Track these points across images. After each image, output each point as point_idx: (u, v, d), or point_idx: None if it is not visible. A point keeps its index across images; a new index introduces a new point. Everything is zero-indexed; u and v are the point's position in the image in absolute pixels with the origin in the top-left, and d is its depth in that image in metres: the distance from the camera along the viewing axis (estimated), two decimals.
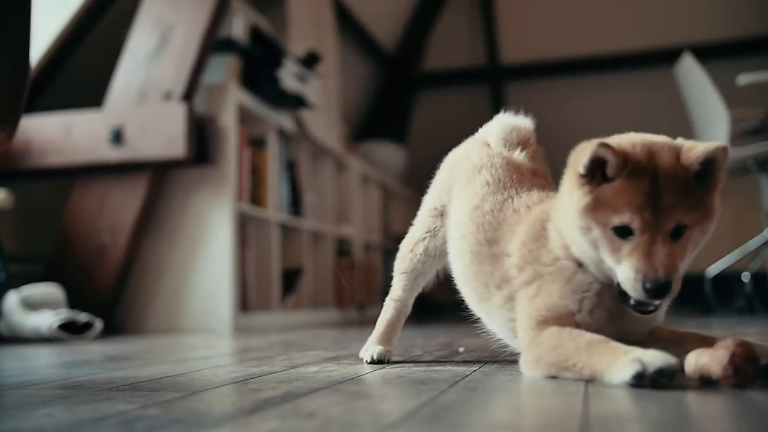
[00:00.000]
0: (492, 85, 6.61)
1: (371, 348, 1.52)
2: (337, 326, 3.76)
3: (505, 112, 1.51)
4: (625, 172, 1.06)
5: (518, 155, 1.43)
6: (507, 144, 1.45)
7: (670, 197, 1.04)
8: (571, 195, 1.12)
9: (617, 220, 1.06)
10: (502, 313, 1.28)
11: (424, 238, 1.53)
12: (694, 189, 1.07)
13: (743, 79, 3.56)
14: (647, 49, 6.11)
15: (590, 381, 1.06)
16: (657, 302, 1.09)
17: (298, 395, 1.04)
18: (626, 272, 1.06)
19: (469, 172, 1.42)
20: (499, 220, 1.31)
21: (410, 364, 1.47)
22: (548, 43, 6.45)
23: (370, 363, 1.48)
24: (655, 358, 0.99)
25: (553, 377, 1.13)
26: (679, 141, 1.12)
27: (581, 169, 1.09)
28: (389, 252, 5.46)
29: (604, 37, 6.30)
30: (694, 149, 1.07)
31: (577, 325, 1.16)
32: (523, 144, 1.45)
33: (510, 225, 1.29)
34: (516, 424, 0.81)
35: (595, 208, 1.08)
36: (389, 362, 1.51)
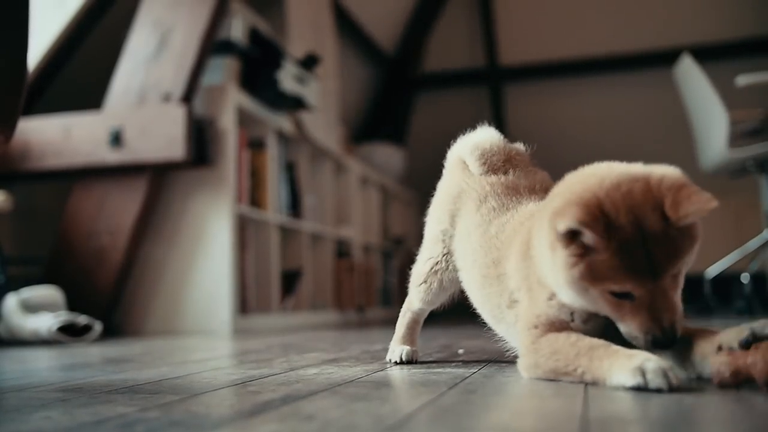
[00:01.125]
0: (491, 86, 6.61)
1: (398, 348, 1.54)
2: (337, 328, 3.76)
3: (471, 132, 1.52)
4: (613, 246, 1.01)
5: (510, 177, 1.42)
6: (487, 168, 1.45)
7: (663, 257, 1.02)
8: (554, 251, 1.07)
9: (617, 288, 1.04)
10: (514, 329, 1.28)
11: (437, 271, 1.51)
12: (682, 236, 1.04)
13: (742, 80, 3.56)
14: (646, 51, 6.12)
15: (592, 384, 1.06)
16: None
17: (297, 398, 1.04)
18: (633, 332, 1.06)
19: (475, 200, 1.42)
20: (502, 240, 1.32)
21: (410, 366, 1.47)
22: (547, 45, 6.46)
23: (399, 363, 1.50)
24: (657, 375, 0.98)
25: (553, 380, 1.13)
26: (655, 182, 1.05)
27: (560, 231, 1.03)
28: (389, 253, 5.46)
29: (603, 39, 6.30)
30: (679, 208, 1.01)
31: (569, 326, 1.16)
32: (508, 163, 1.45)
33: (509, 245, 1.29)
34: (516, 427, 0.80)
35: (589, 276, 1.04)
36: (416, 362, 1.53)
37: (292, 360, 1.69)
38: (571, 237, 1.04)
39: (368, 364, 1.54)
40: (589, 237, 1.02)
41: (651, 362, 0.99)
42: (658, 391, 0.97)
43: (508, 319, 1.29)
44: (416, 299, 1.57)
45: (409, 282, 1.61)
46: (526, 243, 1.22)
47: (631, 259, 1.01)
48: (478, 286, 1.37)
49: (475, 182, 1.45)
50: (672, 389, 0.97)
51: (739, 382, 1.03)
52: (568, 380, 1.10)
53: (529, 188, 1.41)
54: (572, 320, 1.16)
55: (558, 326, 1.16)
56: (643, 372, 0.98)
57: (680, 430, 0.76)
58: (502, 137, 1.50)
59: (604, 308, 1.08)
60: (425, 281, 1.54)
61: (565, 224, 1.02)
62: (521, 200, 1.37)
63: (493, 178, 1.43)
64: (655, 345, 1.05)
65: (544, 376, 1.14)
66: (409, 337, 1.59)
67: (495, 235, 1.34)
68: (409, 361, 1.51)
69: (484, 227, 1.37)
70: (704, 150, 3.83)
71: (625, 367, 1.00)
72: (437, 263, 1.52)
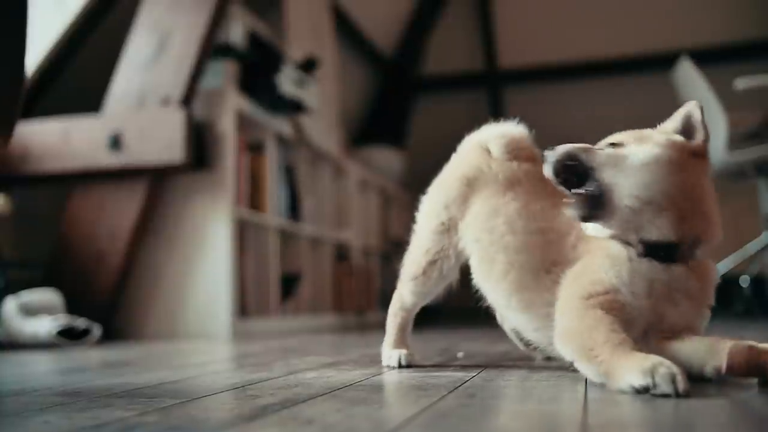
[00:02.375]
0: (490, 89, 6.62)
1: (394, 353, 1.52)
2: (336, 331, 3.76)
3: (499, 121, 1.51)
4: None
5: (534, 168, 1.43)
6: (512, 156, 1.45)
7: None
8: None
9: None
10: (544, 295, 1.28)
11: (436, 261, 1.49)
12: None
13: (741, 83, 3.56)
14: (645, 53, 6.12)
15: (600, 380, 1.06)
16: None
17: (296, 401, 1.04)
18: None
19: (501, 183, 1.42)
20: (553, 213, 1.33)
21: (409, 370, 1.46)
22: (546, 48, 6.46)
23: (399, 368, 1.48)
24: (665, 379, 0.98)
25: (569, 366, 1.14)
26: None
27: None
28: (388, 257, 5.46)
29: (602, 42, 6.31)
30: None
31: (622, 306, 1.17)
32: (532, 159, 1.46)
33: (566, 217, 1.30)
34: (515, 431, 0.80)
35: None
36: (414, 365, 1.50)
37: (291, 364, 1.69)
38: None
39: (367, 367, 1.54)
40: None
41: (663, 367, 0.99)
42: (665, 396, 0.97)
43: (545, 283, 1.29)
44: (410, 293, 1.54)
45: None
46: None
47: None
48: (506, 253, 1.35)
49: (500, 166, 1.44)
50: (678, 395, 0.97)
51: (751, 372, 1.04)
52: (581, 366, 1.11)
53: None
54: (621, 285, 1.18)
55: (610, 300, 1.17)
56: (652, 374, 0.98)
57: None
58: (528, 131, 1.49)
59: None
60: (423, 273, 1.50)
61: None
62: (556, 193, 1.34)
63: (525, 165, 1.44)
64: None
65: (570, 350, 1.14)
66: (403, 340, 1.57)
67: (540, 210, 1.35)
68: (408, 365, 1.50)
69: (523, 204, 1.37)
70: None
71: (636, 367, 1.00)
72: (438, 252, 1.48)
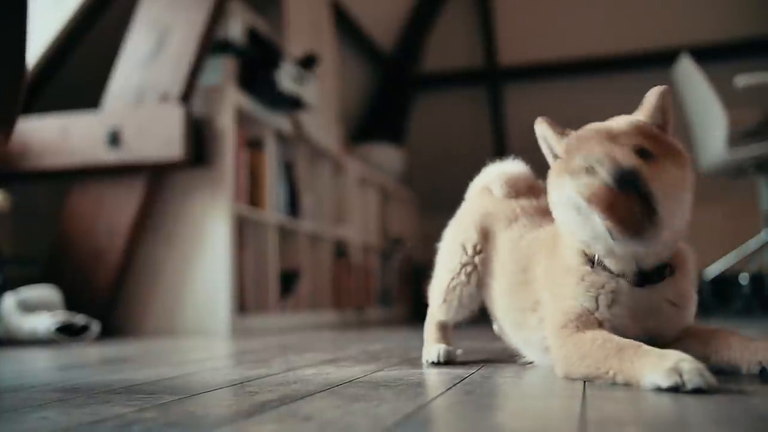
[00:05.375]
0: (490, 86, 6.61)
1: (434, 348, 1.50)
2: (335, 328, 3.76)
3: (501, 162, 1.59)
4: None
5: (537, 201, 1.47)
6: (513, 193, 1.51)
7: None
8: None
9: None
10: (537, 333, 1.32)
11: (455, 288, 1.51)
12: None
13: (741, 80, 3.56)
14: (645, 51, 6.12)
15: (625, 385, 1.05)
16: (642, 237, 1.07)
17: (295, 398, 1.03)
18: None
19: (504, 221, 1.47)
20: (532, 249, 1.37)
21: (408, 367, 1.46)
22: (546, 45, 6.46)
23: (436, 364, 1.47)
24: (694, 374, 0.96)
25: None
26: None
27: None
28: (387, 254, 5.46)
29: (601, 39, 6.30)
30: None
31: (600, 324, 1.16)
32: (532, 190, 1.51)
33: (538, 251, 1.35)
34: (514, 427, 0.80)
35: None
36: (455, 362, 1.49)
37: (290, 360, 1.69)
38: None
39: (366, 364, 1.54)
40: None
41: (686, 362, 0.97)
42: (696, 391, 0.95)
43: (531, 323, 1.33)
44: (440, 314, 1.57)
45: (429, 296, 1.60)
46: (552, 239, 1.29)
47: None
48: (504, 295, 1.41)
49: (503, 205, 1.50)
50: (710, 389, 0.95)
51: None
52: (601, 382, 1.09)
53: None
54: (597, 308, 1.17)
55: (585, 321, 1.16)
56: (679, 372, 0.96)
57: (677, 431, 0.76)
58: (526, 167, 1.56)
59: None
60: (445, 301, 1.53)
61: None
62: (551, 221, 1.36)
63: (522, 201, 1.49)
64: (614, 180, 1.06)
65: (580, 378, 1.13)
66: (444, 337, 1.57)
67: (526, 246, 1.39)
68: (447, 362, 1.47)
69: (514, 242, 1.42)
70: (703, 150, 3.84)
71: (659, 367, 0.98)
72: (456, 288, 1.51)
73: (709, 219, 5.15)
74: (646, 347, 1.04)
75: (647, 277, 1.16)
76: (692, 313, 1.23)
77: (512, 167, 1.56)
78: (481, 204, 1.55)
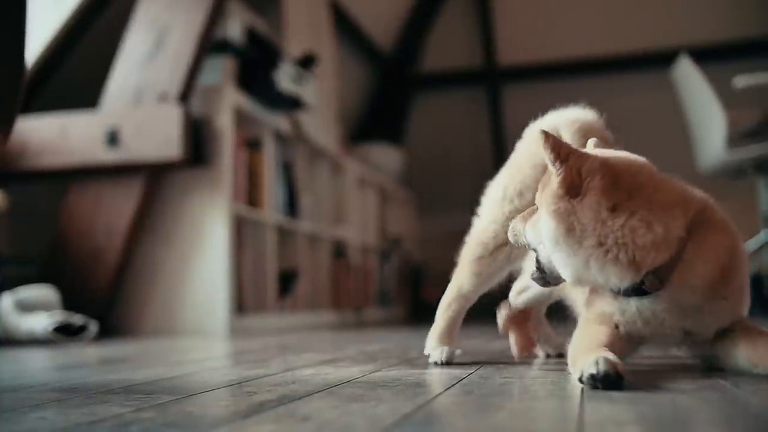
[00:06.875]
0: (489, 86, 6.61)
1: (438, 349, 1.47)
2: (334, 329, 3.76)
3: (571, 107, 1.48)
4: None
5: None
6: (585, 141, 1.38)
7: None
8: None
9: None
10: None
11: (507, 243, 1.37)
12: None
13: (740, 81, 3.56)
14: (644, 51, 6.12)
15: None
16: None
17: (293, 398, 1.03)
18: None
19: None
20: None
21: (406, 367, 1.46)
22: (545, 45, 6.46)
23: (440, 364, 1.44)
24: (590, 366, 1.03)
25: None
26: None
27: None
28: (386, 254, 5.45)
29: (601, 39, 6.30)
30: None
31: (616, 326, 1.18)
32: (603, 142, 1.39)
33: None
34: (512, 427, 0.80)
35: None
36: (452, 363, 1.46)
37: (288, 360, 1.68)
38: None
39: (365, 364, 1.54)
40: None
41: (590, 360, 1.04)
42: (608, 381, 1.01)
43: None
44: (471, 275, 1.44)
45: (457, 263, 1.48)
46: None
47: None
48: None
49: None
50: (611, 381, 1.02)
51: None
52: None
53: None
54: (614, 313, 1.18)
55: (603, 319, 1.19)
56: (581, 367, 1.04)
57: (675, 431, 0.76)
58: (596, 114, 1.44)
59: None
60: (490, 254, 1.42)
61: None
62: None
63: (598, 150, 1.37)
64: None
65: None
66: (450, 335, 1.49)
67: None
68: (449, 363, 1.44)
69: None
70: (702, 151, 3.83)
71: (579, 364, 1.06)
72: (497, 231, 1.40)
73: None
74: (602, 349, 1.09)
75: (637, 290, 1.13)
76: (731, 307, 1.18)
77: (587, 113, 1.44)
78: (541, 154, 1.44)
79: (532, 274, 1.25)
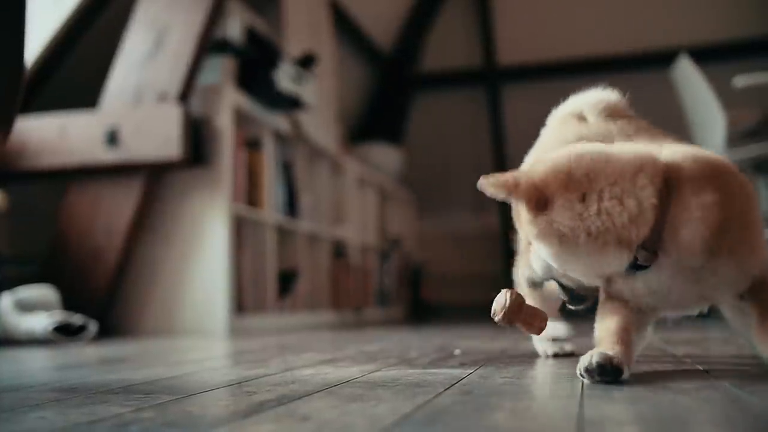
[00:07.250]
0: (489, 86, 6.61)
1: (541, 344, 1.54)
2: (334, 329, 3.76)
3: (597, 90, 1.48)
4: None
5: (637, 121, 1.40)
6: (608, 117, 1.41)
7: None
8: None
9: None
10: None
11: None
12: None
13: (740, 81, 3.56)
14: (644, 51, 6.12)
15: None
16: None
17: (293, 398, 1.03)
18: None
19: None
20: None
21: (406, 367, 1.46)
22: (545, 44, 6.46)
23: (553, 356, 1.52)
24: (585, 360, 1.09)
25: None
26: None
27: None
28: (386, 254, 5.45)
29: (600, 39, 6.30)
30: None
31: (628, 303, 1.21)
32: (624, 117, 1.41)
33: None
34: (511, 427, 0.80)
35: None
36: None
37: (288, 360, 1.68)
38: None
39: (364, 364, 1.54)
40: None
41: (593, 354, 1.09)
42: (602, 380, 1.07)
43: None
44: (525, 270, 1.43)
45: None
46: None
47: None
48: None
49: (597, 127, 1.39)
50: (607, 373, 1.07)
51: None
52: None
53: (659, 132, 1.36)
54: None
55: (612, 300, 1.22)
56: (591, 356, 1.10)
57: (675, 430, 0.76)
58: (619, 94, 1.45)
59: None
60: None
61: None
62: (657, 138, 1.29)
63: (619, 122, 1.38)
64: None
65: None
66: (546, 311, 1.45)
67: None
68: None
69: None
70: None
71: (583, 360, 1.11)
72: None
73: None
74: (612, 339, 1.14)
75: (637, 266, 1.15)
76: (737, 264, 1.13)
77: (610, 94, 1.45)
78: (567, 131, 1.42)
79: (568, 303, 1.28)
